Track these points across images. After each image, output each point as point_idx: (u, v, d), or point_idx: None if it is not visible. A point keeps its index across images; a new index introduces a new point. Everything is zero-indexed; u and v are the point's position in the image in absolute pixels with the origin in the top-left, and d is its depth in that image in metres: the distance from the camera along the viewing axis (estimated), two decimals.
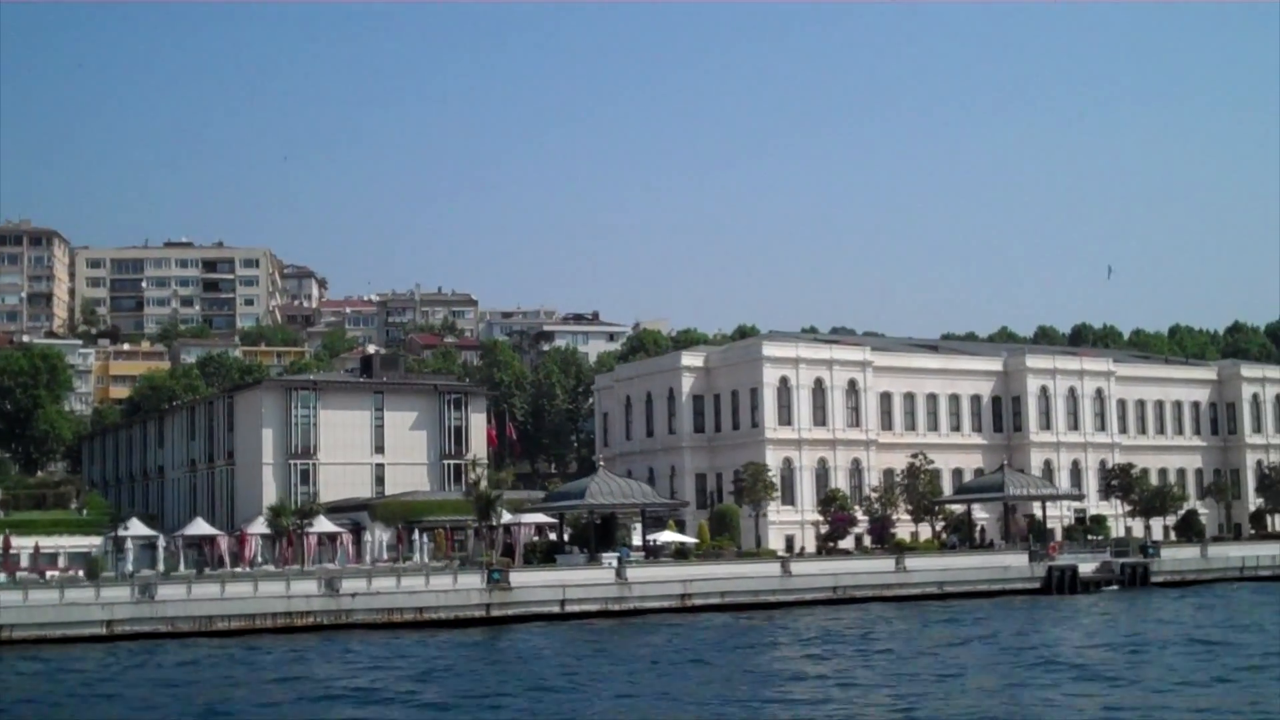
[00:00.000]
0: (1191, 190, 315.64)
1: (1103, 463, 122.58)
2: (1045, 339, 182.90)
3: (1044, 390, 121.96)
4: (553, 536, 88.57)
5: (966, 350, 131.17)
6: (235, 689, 46.46)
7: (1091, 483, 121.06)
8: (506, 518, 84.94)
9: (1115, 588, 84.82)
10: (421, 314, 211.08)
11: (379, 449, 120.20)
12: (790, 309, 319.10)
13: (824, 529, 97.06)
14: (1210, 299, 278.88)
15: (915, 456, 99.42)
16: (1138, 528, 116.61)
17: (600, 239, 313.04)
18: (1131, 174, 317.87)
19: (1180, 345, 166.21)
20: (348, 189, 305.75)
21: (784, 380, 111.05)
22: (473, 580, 69.63)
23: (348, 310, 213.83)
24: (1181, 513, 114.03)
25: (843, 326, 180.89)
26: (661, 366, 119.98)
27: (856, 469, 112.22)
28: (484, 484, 74.46)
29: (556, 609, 70.76)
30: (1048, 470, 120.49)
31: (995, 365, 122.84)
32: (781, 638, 61.22)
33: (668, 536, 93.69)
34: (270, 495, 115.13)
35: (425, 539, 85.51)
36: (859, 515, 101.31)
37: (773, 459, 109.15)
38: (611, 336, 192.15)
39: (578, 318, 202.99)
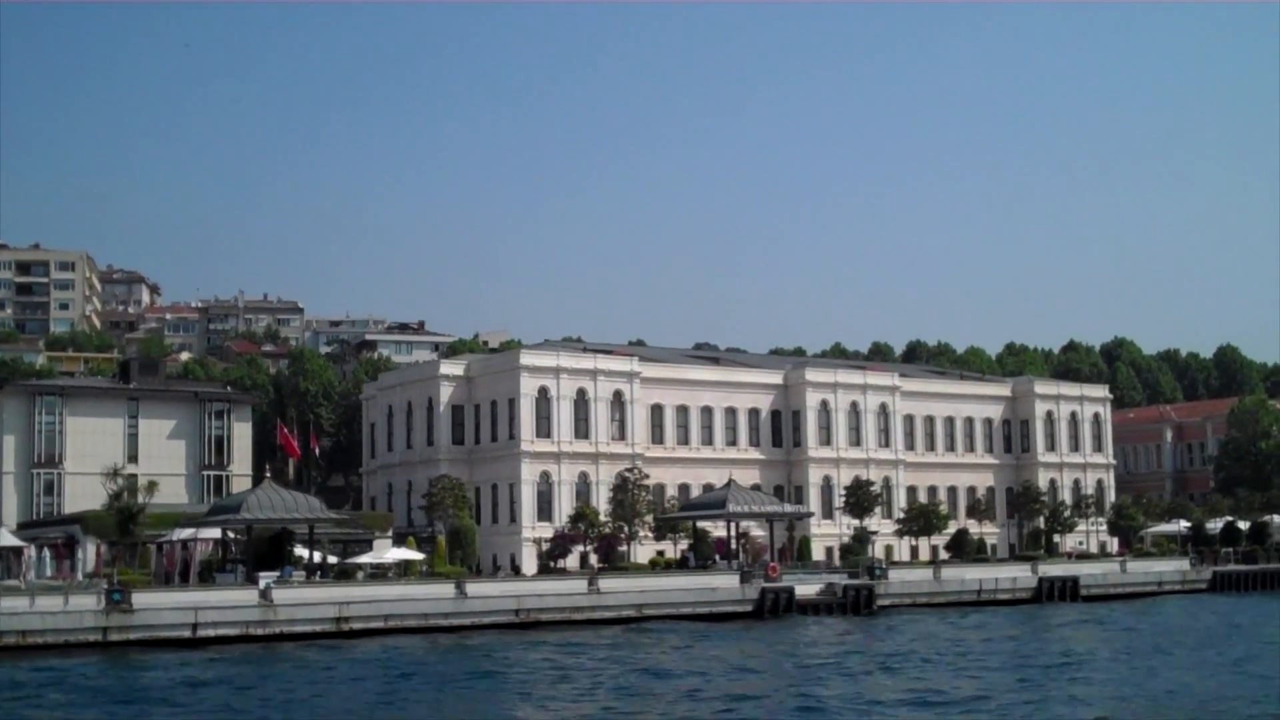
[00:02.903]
0: (1032, 209, 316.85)
1: (886, 479, 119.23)
2: (879, 355, 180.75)
3: (824, 404, 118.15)
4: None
5: (748, 362, 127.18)
6: None
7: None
8: (186, 533, 79.54)
9: (835, 611, 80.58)
10: (245, 321, 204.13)
11: (132, 458, 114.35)
12: (629, 322, 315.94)
13: (545, 545, 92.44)
14: (1049, 318, 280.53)
15: (630, 470, 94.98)
16: (923, 548, 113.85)
17: (440, 248, 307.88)
18: (972, 190, 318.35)
19: (1000, 364, 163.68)
20: (178, 192, 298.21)
21: (543, 391, 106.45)
22: (88, 601, 63.94)
23: (169, 317, 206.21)
24: (951, 532, 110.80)
25: (705, 342, 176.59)
26: (421, 375, 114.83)
27: (622, 484, 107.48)
28: (125, 495, 68.67)
29: (187, 633, 65.24)
30: (827, 486, 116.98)
31: (775, 378, 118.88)
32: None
33: (399, 554, 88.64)
34: (11, 506, 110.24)
35: (81, 554, 79.58)
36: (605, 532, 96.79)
37: (529, 472, 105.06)
38: (437, 347, 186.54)
39: (403, 327, 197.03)
